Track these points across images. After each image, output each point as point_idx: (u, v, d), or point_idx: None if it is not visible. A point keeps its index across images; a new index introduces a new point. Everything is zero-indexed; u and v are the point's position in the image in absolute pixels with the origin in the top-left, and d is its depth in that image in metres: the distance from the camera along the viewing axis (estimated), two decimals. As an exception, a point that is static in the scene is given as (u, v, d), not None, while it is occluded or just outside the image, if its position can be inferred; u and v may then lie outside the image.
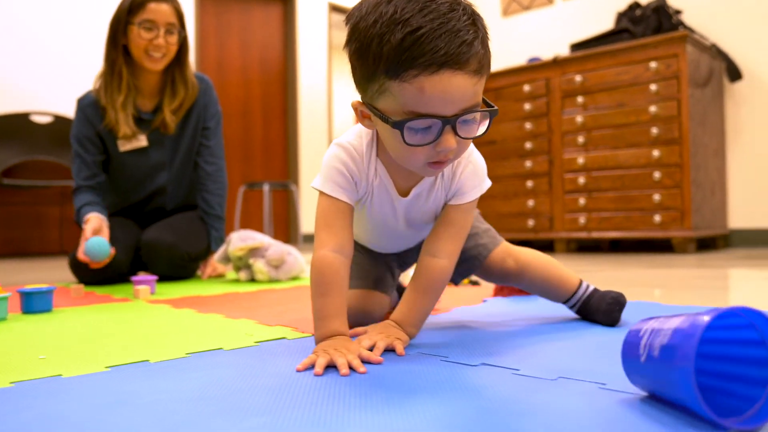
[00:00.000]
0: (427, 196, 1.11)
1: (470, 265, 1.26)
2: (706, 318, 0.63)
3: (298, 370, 0.91)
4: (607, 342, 1.09)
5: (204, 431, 0.66)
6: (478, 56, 0.90)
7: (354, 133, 1.08)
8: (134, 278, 2.00)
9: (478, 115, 0.93)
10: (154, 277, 2.04)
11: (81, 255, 2.15)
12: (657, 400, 0.73)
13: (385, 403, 0.75)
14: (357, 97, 1.00)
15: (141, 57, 2.35)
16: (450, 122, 0.90)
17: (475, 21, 0.91)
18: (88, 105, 2.42)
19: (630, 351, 0.74)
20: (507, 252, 1.27)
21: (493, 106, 0.95)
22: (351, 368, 0.90)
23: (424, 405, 0.73)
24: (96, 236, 2.14)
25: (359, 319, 1.21)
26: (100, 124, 2.41)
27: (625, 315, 1.29)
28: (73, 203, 2.41)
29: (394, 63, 0.87)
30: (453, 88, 0.88)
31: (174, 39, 2.38)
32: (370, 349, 0.99)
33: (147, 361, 1.01)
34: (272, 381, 0.86)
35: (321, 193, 1.06)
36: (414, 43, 0.85)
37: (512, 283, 1.31)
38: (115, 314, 1.56)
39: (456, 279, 1.29)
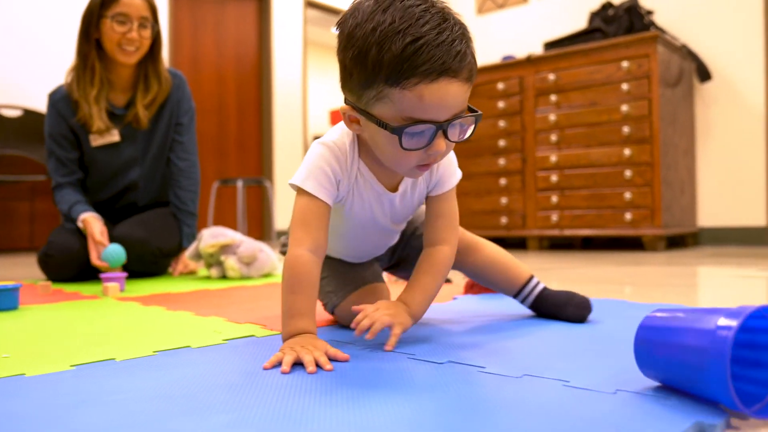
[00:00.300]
0: (413, 191, 1.15)
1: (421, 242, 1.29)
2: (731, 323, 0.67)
3: (264, 368, 0.91)
4: (571, 340, 1.10)
5: (167, 430, 0.66)
6: (469, 65, 0.94)
7: (338, 132, 1.09)
8: (103, 275, 1.98)
9: (468, 119, 0.97)
10: (124, 274, 2.02)
11: (96, 261, 2.17)
12: (669, 389, 0.76)
13: (349, 400, 0.75)
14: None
15: (114, 50, 2.33)
16: (442, 127, 0.94)
17: (464, 32, 0.94)
18: (60, 99, 2.39)
19: (649, 338, 0.76)
20: (461, 233, 1.29)
21: (477, 111, 0.99)
22: (318, 366, 0.90)
23: (389, 402, 0.74)
24: (113, 244, 2.16)
25: None
26: (72, 118, 2.38)
27: (592, 315, 1.30)
28: (56, 200, 2.39)
29: (396, 71, 0.89)
30: (449, 95, 0.92)
31: (147, 33, 2.36)
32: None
33: (113, 359, 1.00)
34: (238, 378, 0.86)
35: (300, 191, 1.05)
36: (415, 52, 0.88)
37: (461, 265, 1.32)
38: (83, 312, 1.55)
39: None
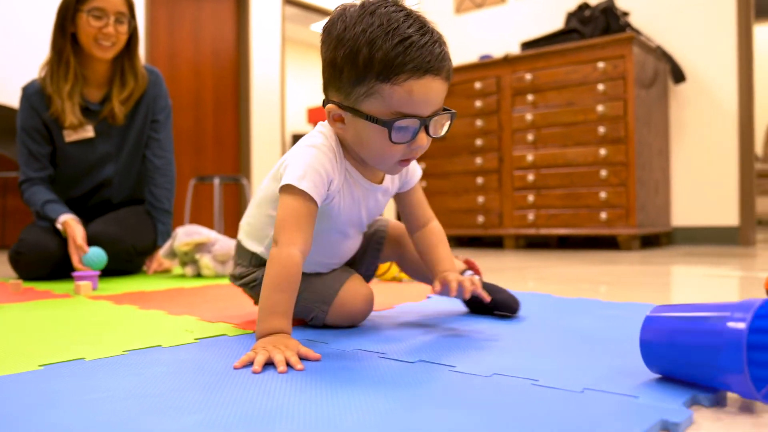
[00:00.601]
0: (392, 187, 1.24)
1: (379, 236, 1.37)
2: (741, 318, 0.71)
3: (235, 368, 0.91)
4: (542, 340, 1.11)
5: (135, 430, 0.65)
6: (448, 65, 1.03)
7: (321, 135, 1.12)
8: (75, 273, 1.96)
9: (446, 116, 1.06)
10: (96, 273, 2.00)
11: (79, 265, 2.14)
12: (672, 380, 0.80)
13: (319, 399, 0.75)
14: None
15: (90, 45, 2.31)
16: (425, 122, 1.02)
17: (441, 36, 1.03)
18: (34, 93, 2.37)
19: (655, 327, 0.80)
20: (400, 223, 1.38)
21: (451, 110, 1.07)
22: (289, 365, 0.90)
23: (358, 401, 0.74)
24: (94, 248, 2.12)
25: (367, 308, 1.24)
26: (45, 112, 2.35)
27: (565, 312, 1.32)
28: (26, 195, 2.35)
29: (387, 67, 0.97)
30: (433, 91, 1.00)
31: (124, 28, 2.34)
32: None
33: (83, 359, 0.99)
34: (209, 378, 0.85)
35: (294, 190, 1.04)
36: (404, 50, 0.97)
37: (396, 254, 1.38)
38: (54, 311, 1.53)
39: (374, 260, 1.38)
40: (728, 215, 4.07)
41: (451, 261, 1.24)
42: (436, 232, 1.28)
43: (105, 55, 2.33)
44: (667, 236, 4.23)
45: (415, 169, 1.26)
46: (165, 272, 2.55)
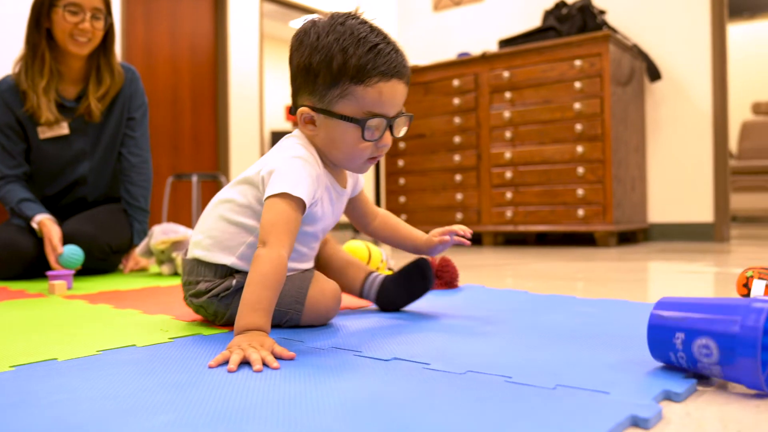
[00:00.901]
0: (350, 190, 1.33)
1: None
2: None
3: (210, 367, 0.90)
4: (517, 337, 1.12)
5: (105, 431, 0.65)
6: (409, 71, 1.16)
7: (300, 146, 1.18)
8: (50, 273, 1.94)
9: (406, 118, 1.17)
10: (71, 272, 1.98)
11: (56, 264, 2.11)
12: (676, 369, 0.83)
13: (292, 398, 0.75)
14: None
15: (65, 41, 2.28)
16: (391, 122, 1.14)
17: (399, 46, 1.15)
18: (7, 89, 2.34)
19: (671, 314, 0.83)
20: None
21: (409, 113, 1.19)
22: (264, 364, 0.90)
23: (332, 399, 0.74)
24: (70, 246, 2.10)
25: (336, 302, 1.26)
26: (20, 109, 2.32)
27: (540, 309, 1.32)
28: (0, 193, 2.32)
29: (360, 70, 1.08)
30: (398, 93, 1.13)
31: (100, 24, 2.32)
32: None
33: (55, 359, 0.98)
34: (182, 377, 0.85)
35: (287, 196, 1.08)
36: (376, 55, 1.09)
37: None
38: (28, 311, 1.51)
39: None
40: (703, 212, 4.12)
41: (418, 232, 1.40)
42: (390, 216, 1.43)
43: (81, 51, 2.31)
44: (644, 233, 4.28)
45: (361, 177, 1.37)
46: (141, 271, 2.53)
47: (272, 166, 1.14)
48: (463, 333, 1.15)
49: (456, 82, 4.32)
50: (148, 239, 2.32)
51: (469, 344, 1.05)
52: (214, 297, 1.22)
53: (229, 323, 1.22)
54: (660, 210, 4.26)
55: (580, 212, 3.80)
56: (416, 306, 1.47)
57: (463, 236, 1.33)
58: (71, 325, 1.30)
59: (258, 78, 6.07)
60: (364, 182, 1.39)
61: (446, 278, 1.76)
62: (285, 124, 9.63)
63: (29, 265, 2.24)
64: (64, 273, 1.94)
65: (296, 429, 0.64)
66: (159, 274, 2.34)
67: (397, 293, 1.38)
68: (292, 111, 1.19)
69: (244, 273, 1.19)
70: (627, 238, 4.24)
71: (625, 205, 3.87)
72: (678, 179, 4.18)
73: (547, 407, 0.70)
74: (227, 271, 1.23)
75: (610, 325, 1.20)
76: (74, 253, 2.07)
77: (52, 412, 0.71)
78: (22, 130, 2.36)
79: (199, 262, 1.25)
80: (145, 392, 0.78)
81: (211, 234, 1.24)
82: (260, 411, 0.70)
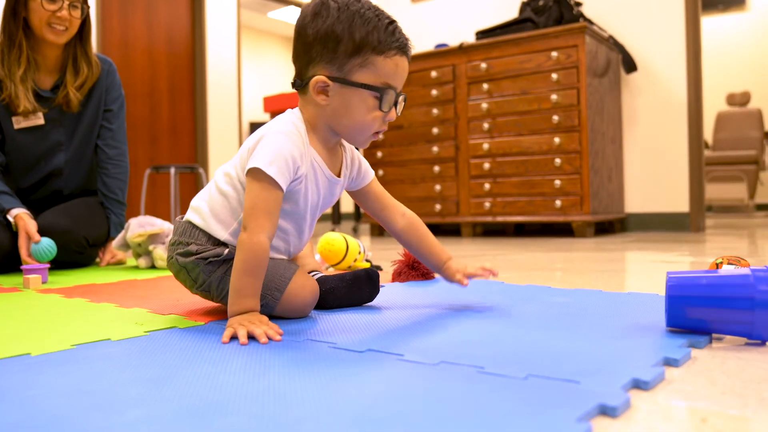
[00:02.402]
0: (347, 181, 1.34)
1: None
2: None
3: (223, 342, 1.01)
4: (490, 328, 1.13)
5: (77, 427, 0.65)
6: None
7: (290, 122, 1.20)
8: (24, 267, 1.92)
9: (404, 97, 1.22)
10: (46, 266, 1.96)
11: (27, 257, 2.08)
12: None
13: (266, 391, 0.75)
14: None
15: (43, 29, 2.26)
16: (399, 95, 1.20)
17: None
18: None
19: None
20: None
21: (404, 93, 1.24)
22: (268, 337, 1.02)
23: (307, 392, 0.74)
24: (44, 239, 2.08)
25: (313, 301, 1.27)
26: None
27: (515, 300, 1.34)
28: None
29: (382, 42, 1.15)
30: (406, 69, 1.21)
31: (77, 13, 2.30)
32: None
33: (28, 354, 0.98)
34: (156, 372, 0.85)
35: (261, 176, 1.11)
36: (395, 29, 1.17)
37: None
38: (1, 305, 1.50)
39: None
40: (679, 202, 4.16)
41: (442, 248, 1.39)
42: (417, 223, 1.39)
43: (58, 39, 2.29)
44: (621, 222, 4.32)
45: (368, 169, 1.38)
46: (118, 264, 2.52)
47: (258, 137, 1.17)
48: (437, 324, 1.16)
49: (434, 74, 4.32)
50: (125, 232, 2.31)
51: (443, 335, 1.06)
52: (202, 260, 1.23)
53: (204, 292, 1.27)
54: (637, 200, 4.30)
55: (558, 203, 3.82)
56: (391, 297, 1.48)
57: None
58: (45, 319, 1.29)
59: (236, 69, 6.03)
60: (373, 174, 1.39)
61: (422, 269, 1.77)
62: (263, 115, 9.57)
63: (4, 259, 2.21)
64: (39, 267, 1.93)
65: (269, 423, 0.65)
66: (136, 267, 2.33)
67: (345, 297, 1.35)
68: (297, 84, 1.22)
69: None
70: (604, 228, 4.28)
71: (602, 196, 3.91)
72: (654, 170, 4.22)
73: (517, 397, 0.71)
74: (218, 242, 1.25)
75: (584, 315, 1.21)
76: (47, 245, 2.05)
77: (24, 408, 0.71)
78: None
79: (194, 227, 1.27)
80: (118, 387, 0.78)
81: (210, 204, 1.26)
82: (233, 405, 0.70)
